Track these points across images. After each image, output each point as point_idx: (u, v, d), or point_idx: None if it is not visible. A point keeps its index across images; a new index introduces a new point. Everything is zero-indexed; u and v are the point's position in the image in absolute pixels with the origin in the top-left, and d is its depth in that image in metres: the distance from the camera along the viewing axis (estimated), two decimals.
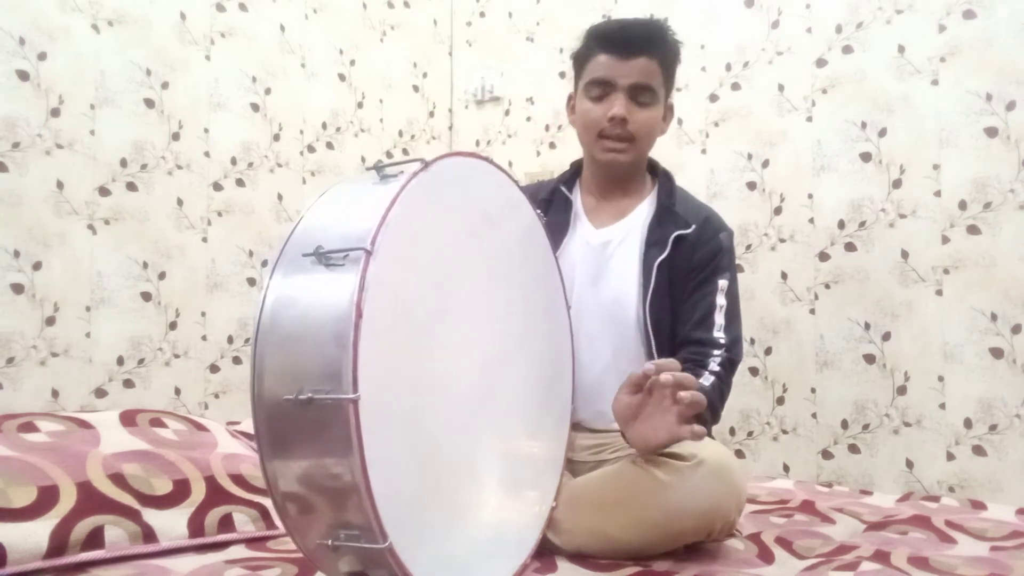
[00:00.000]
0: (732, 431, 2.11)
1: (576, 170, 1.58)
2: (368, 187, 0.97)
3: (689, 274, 1.43)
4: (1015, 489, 1.75)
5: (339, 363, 0.83)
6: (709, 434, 1.44)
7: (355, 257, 0.86)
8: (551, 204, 1.52)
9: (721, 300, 1.43)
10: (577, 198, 1.54)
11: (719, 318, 1.42)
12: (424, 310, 0.98)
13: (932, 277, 1.87)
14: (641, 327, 1.42)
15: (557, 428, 1.30)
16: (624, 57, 1.42)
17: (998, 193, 1.80)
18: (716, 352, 1.39)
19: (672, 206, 1.47)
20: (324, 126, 2.33)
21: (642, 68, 1.43)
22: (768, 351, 2.07)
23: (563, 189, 1.54)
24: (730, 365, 1.40)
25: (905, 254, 1.90)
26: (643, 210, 1.50)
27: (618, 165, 1.48)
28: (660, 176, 1.53)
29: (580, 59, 1.50)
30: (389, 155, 2.51)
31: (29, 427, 1.40)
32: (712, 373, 1.36)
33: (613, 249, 1.47)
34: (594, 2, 2.34)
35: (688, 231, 1.44)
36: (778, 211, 2.08)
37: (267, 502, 1.38)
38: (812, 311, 2.02)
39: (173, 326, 1.97)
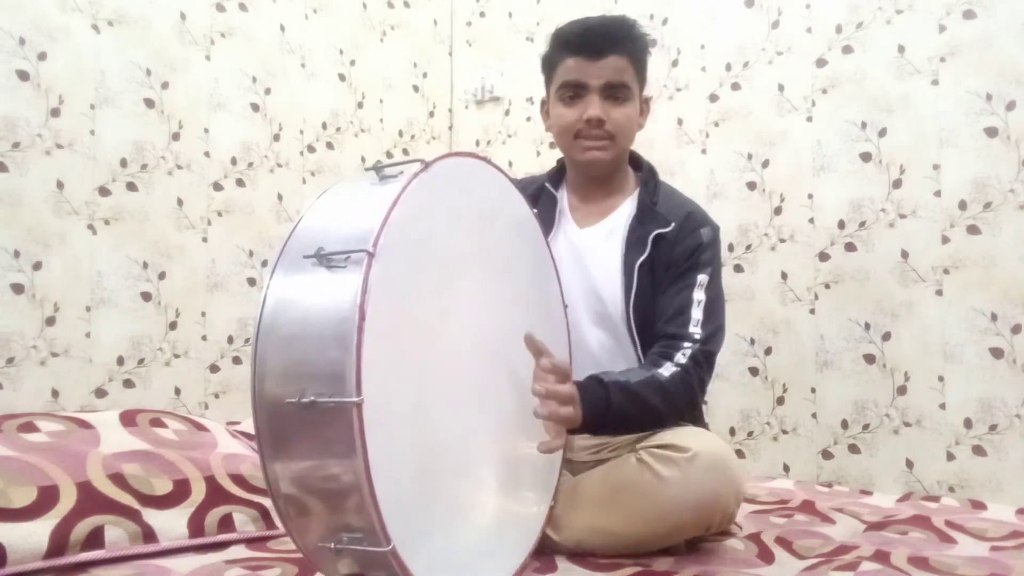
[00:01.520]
0: (732, 431, 2.11)
1: (562, 167, 1.57)
2: (367, 188, 0.97)
3: (668, 271, 1.42)
4: (1015, 489, 1.75)
5: (342, 366, 0.83)
6: (701, 423, 1.45)
7: (357, 259, 0.86)
8: (537, 201, 1.51)
9: (699, 295, 1.40)
10: (563, 196, 1.54)
11: (696, 313, 1.39)
12: (424, 310, 0.98)
13: (932, 277, 1.87)
14: (627, 326, 1.41)
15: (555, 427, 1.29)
16: (593, 58, 1.40)
17: (998, 193, 1.80)
18: (687, 345, 1.36)
19: (654, 204, 1.45)
20: (324, 126, 2.33)
21: (613, 67, 1.41)
22: (768, 351, 2.07)
23: (549, 186, 1.54)
24: (704, 357, 1.36)
25: (905, 254, 1.90)
26: (625, 209, 1.48)
27: (599, 164, 1.47)
28: (644, 172, 1.52)
29: (549, 63, 1.48)
30: (389, 155, 2.51)
31: (29, 427, 1.40)
32: (677, 365, 1.33)
33: (596, 248, 1.46)
34: (594, 2, 2.34)
35: (667, 229, 1.42)
36: (778, 211, 2.08)
37: (267, 502, 1.38)
38: (812, 311, 2.02)
39: (173, 326, 1.97)
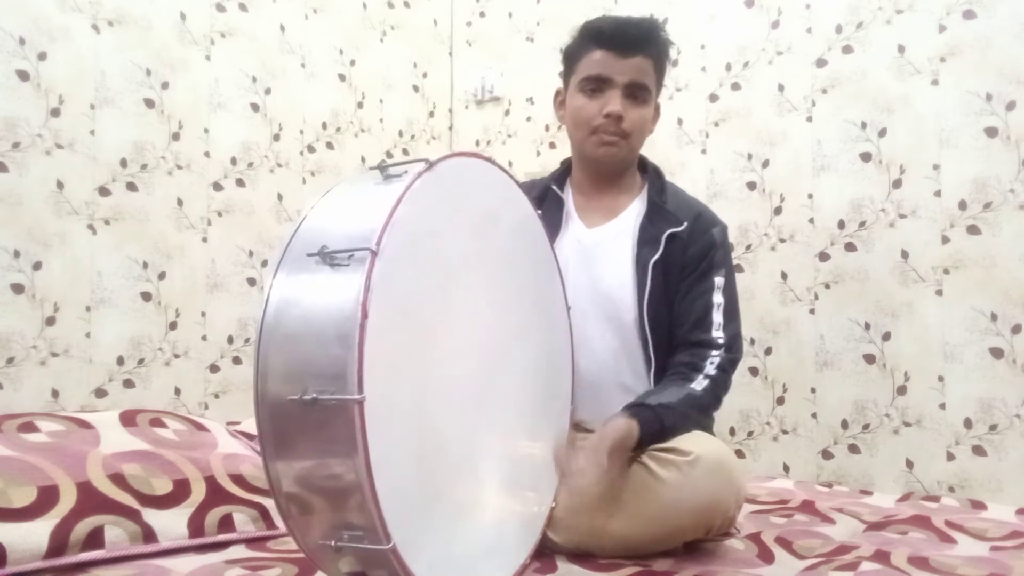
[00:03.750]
0: (732, 431, 2.11)
1: (567, 169, 1.57)
2: (371, 187, 0.97)
3: (683, 271, 1.43)
4: (1015, 489, 1.75)
5: (344, 364, 0.82)
6: (709, 431, 1.46)
7: (360, 257, 0.86)
8: (542, 203, 1.51)
9: (718, 298, 1.42)
10: (568, 197, 1.54)
11: (717, 317, 1.42)
12: (427, 310, 0.98)
13: (932, 277, 1.87)
14: (639, 327, 1.42)
15: (557, 428, 1.30)
16: (622, 55, 1.42)
17: (998, 193, 1.80)
18: (715, 353, 1.39)
19: (663, 204, 1.47)
20: (324, 126, 2.33)
21: (639, 66, 1.43)
22: (768, 351, 2.07)
23: (554, 188, 1.54)
24: (730, 364, 1.41)
25: (905, 254, 1.91)
26: (634, 208, 1.49)
27: (612, 161, 1.47)
28: (650, 173, 1.53)
29: (573, 55, 1.49)
30: (389, 155, 2.51)
31: (29, 427, 1.40)
32: (707, 376, 1.37)
33: (605, 248, 1.47)
34: (594, 2, 2.34)
35: (680, 228, 1.43)
36: (778, 211, 2.08)
37: (267, 502, 1.38)
38: (812, 311, 2.02)
39: (173, 326, 1.97)
